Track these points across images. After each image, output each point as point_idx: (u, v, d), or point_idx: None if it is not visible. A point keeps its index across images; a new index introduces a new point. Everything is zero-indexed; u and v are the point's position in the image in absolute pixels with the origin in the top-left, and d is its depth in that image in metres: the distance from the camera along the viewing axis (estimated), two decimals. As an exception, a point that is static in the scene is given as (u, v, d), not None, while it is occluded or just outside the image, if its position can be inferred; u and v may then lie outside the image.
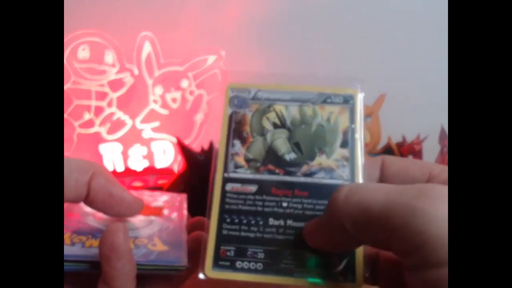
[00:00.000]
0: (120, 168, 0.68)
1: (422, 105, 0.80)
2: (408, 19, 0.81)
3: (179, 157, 0.69)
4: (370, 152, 0.66)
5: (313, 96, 0.26)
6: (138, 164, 0.68)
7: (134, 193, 0.27)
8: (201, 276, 0.22)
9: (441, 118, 0.61)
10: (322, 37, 0.79)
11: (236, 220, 0.23)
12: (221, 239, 0.23)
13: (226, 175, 0.25)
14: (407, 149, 0.64)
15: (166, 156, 0.70)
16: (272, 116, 0.26)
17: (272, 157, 0.25)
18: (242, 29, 0.76)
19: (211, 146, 0.52)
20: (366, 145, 0.65)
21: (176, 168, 0.70)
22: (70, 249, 0.22)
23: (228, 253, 0.22)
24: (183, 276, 0.25)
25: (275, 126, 0.25)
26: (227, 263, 0.22)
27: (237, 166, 0.25)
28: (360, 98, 0.25)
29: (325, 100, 0.25)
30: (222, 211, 0.24)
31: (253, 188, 0.24)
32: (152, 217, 0.28)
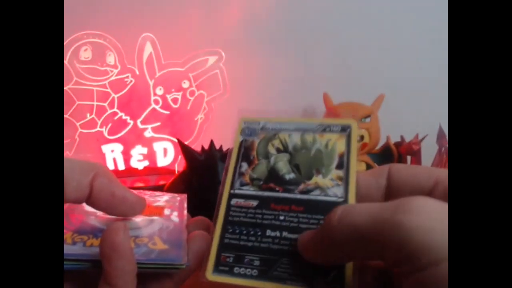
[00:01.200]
0: (122, 168, 0.68)
1: (420, 105, 0.80)
2: (408, 19, 0.81)
3: (180, 157, 0.69)
4: (369, 152, 0.66)
5: (314, 126, 0.29)
6: (139, 164, 0.69)
7: (136, 193, 0.27)
8: (202, 279, 0.24)
9: (439, 118, 0.61)
10: (321, 37, 0.79)
11: (237, 231, 0.25)
12: (222, 247, 0.25)
13: (232, 191, 0.27)
14: (406, 149, 0.64)
15: (167, 156, 0.70)
16: (276, 142, 0.29)
17: (273, 176, 0.27)
18: (242, 30, 0.76)
19: (211, 145, 0.52)
20: (365, 145, 0.65)
21: (176, 168, 0.71)
22: (71, 248, 0.23)
23: (228, 260, 0.24)
24: (183, 275, 0.25)
25: (278, 151, 0.28)
26: (226, 268, 0.24)
27: (242, 184, 0.27)
28: (355, 127, 0.28)
29: (325, 129, 0.28)
30: (226, 222, 0.26)
31: (254, 203, 0.26)
32: (153, 217, 0.28)
